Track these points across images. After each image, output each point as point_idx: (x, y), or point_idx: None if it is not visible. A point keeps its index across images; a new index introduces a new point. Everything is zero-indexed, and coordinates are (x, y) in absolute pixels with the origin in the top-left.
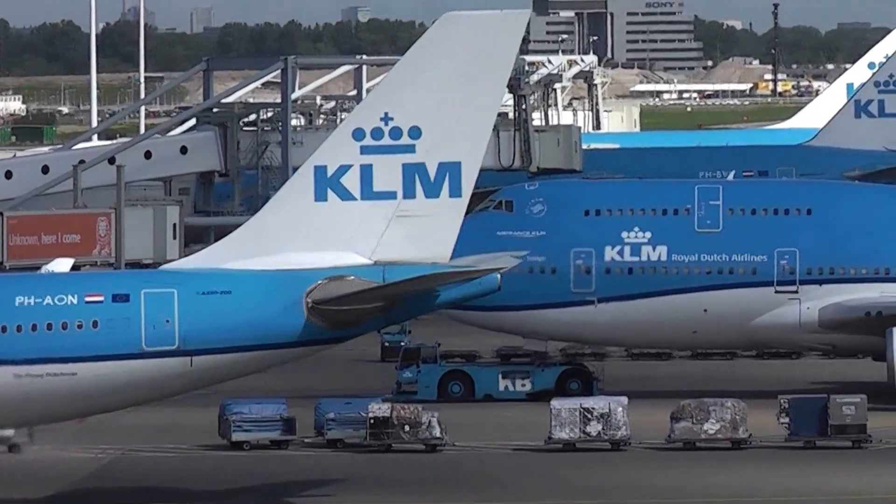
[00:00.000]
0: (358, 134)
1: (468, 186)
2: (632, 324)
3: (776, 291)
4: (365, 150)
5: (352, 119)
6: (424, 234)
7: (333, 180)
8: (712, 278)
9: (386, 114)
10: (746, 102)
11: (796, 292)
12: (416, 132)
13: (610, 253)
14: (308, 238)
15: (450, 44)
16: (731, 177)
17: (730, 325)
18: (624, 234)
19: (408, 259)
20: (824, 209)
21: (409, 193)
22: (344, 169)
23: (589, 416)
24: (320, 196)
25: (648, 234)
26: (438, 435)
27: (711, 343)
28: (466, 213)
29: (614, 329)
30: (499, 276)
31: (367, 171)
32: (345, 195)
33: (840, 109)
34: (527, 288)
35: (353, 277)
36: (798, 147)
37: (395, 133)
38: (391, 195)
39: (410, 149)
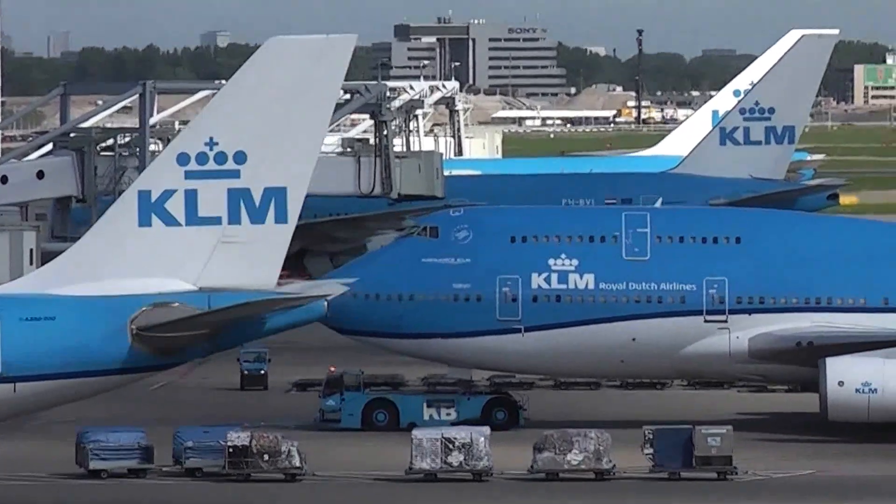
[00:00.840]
0: (182, 159)
1: (294, 212)
2: (559, 353)
3: (705, 321)
4: (189, 175)
5: (176, 143)
6: (250, 260)
7: (158, 205)
8: (640, 307)
9: (211, 138)
10: (610, 129)
11: (726, 322)
12: (241, 157)
13: (537, 280)
14: (133, 264)
15: (275, 68)
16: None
17: (658, 355)
18: (551, 262)
19: (234, 285)
20: (754, 237)
21: (234, 219)
22: (168, 194)
23: (450, 446)
24: (144, 221)
25: (576, 262)
26: (298, 464)
27: (640, 373)
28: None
29: (541, 358)
30: (326, 302)
31: (191, 197)
32: (169, 220)
33: (705, 137)
34: (452, 316)
35: (178, 304)
36: (662, 174)
37: (220, 158)
38: (216, 220)
39: (235, 174)
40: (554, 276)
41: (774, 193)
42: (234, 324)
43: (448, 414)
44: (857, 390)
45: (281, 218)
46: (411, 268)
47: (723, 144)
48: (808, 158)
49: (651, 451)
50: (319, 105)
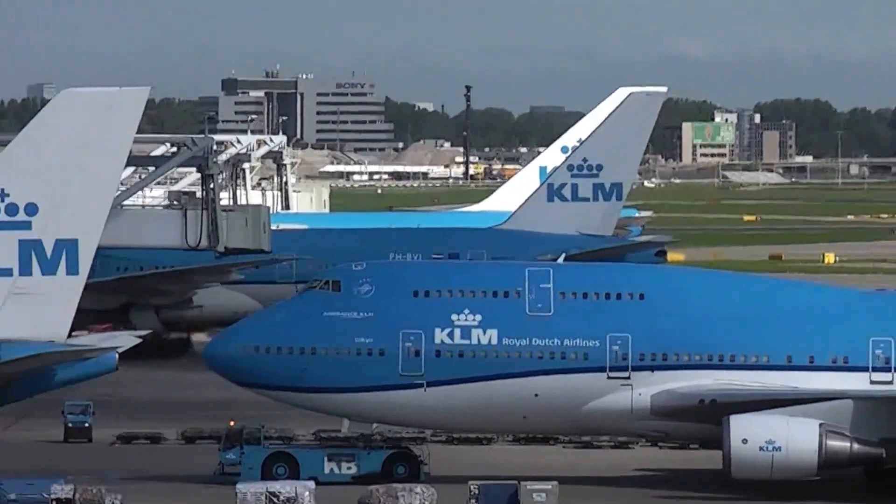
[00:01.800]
0: None
1: (86, 264)
2: (461, 408)
3: (608, 377)
4: None
5: None
6: (41, 312)
7: None
8: (543, 363)
9: (2, 190)
10: (437, 185)
11: (628, 378)
12: (32, 209)
13: (440, 335)
14: None
15: (67, 120)
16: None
17: (560, 411)
18: (454, 317)
19: (24, 337)
20: (657, 294)
21: (25, 270)
22: None
23: (275, 500)
24: None
25: (479, 317)
26: None
27: (542, 428)
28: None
29: (443, 413)
30: (117, 355)
31: None
32: None
33: (533, 193)
34: (355, 369)
35: None
36: (490, 230)
37: (12, 209)
38: (7, 272)
39: (27, 225)
40: (457, 332)
41: (603, 250)
42: (23, 375)
43: (349, 468)
44: (761, 448)
45: (73, 269)
46: (313, 321)
47: (551, 200)
48: (637, 215)
49: None
50: (111, 156)
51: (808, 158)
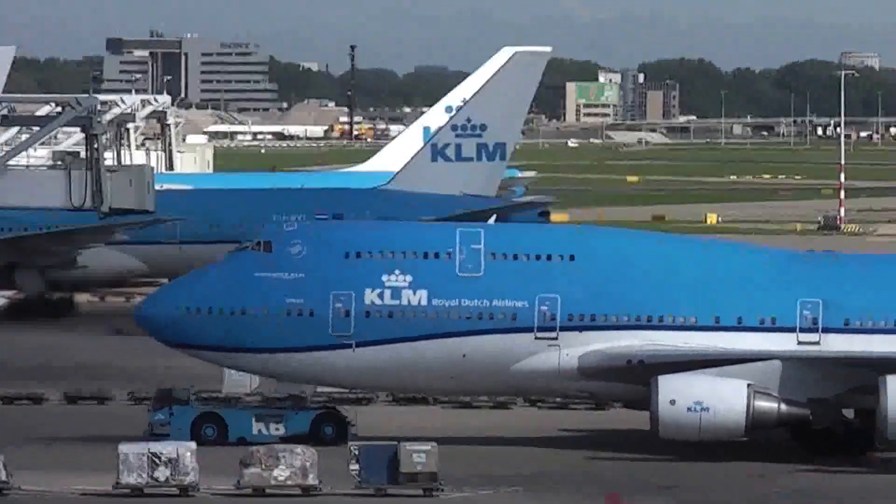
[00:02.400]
0: None
1: None
2: (390, 368)
3: (536, 338)
4: None
5: None
6: None
7: None
8: (472, 323)
9: None
10: (322, 145)
11: (556, 339)
12: None
13: (370, 296)
14: None
15: None
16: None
17: (488, 372)
18: (384, 278)
19: None
20: (587, 255)
21: None
22: None
23: (157, 461)
24: None
25: (409, 278)
26: (4, 479)
27: (471, 389)
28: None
29: (372, 374)
30: None
31: None
32: None
33: (417, 153)
34: (285, 330)
35: None
36: (374, 190)
37: None
38: None
39: None
40: (387, 292)
41: (486, 210)
42: None
43: (277, 429)
44: (688, 409)
45: None
46: (244, 282)
47: (434, 161)
48: (520, 175)
49: (357, 467)
50: None
51: (692, 118)
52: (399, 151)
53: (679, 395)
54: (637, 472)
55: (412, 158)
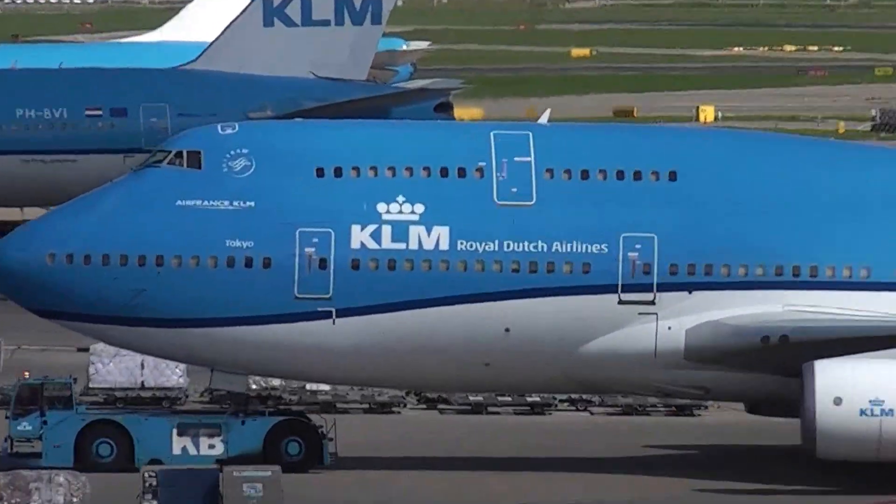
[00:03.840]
0: None
1: None
2: (389, 352)
3: (620, 301)
4: None
5: None
6: None
7: None
8: (519, 279)
9: None
10: (92, 1)
11: (653, 303)
12: None
13: (359, 236)
14: None
15: None
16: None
17: (543, 355)
18: (381, 207)
19: None
20: (697, 171)
21: None
22: None
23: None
24: None
25: (420, 208)
26: None
27: (514, 382)
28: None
29: (362, 359)
30: None
31: None
32: None
33: (240, 14)
34: (224, 290)
35: None
36: (172, 72)
37: None
38: None
39: None
40: (386, 230)
41: (352, 102)
42: None
43: (211, 446)
44: (862, 412)
45: None
46: (157, 216)
47: (269, 25)
48: (405, 48)
49: (152, 499)
50: None
51: None
52: (212, 11)
53: (847, 390)
54: None
55: (234, 21)
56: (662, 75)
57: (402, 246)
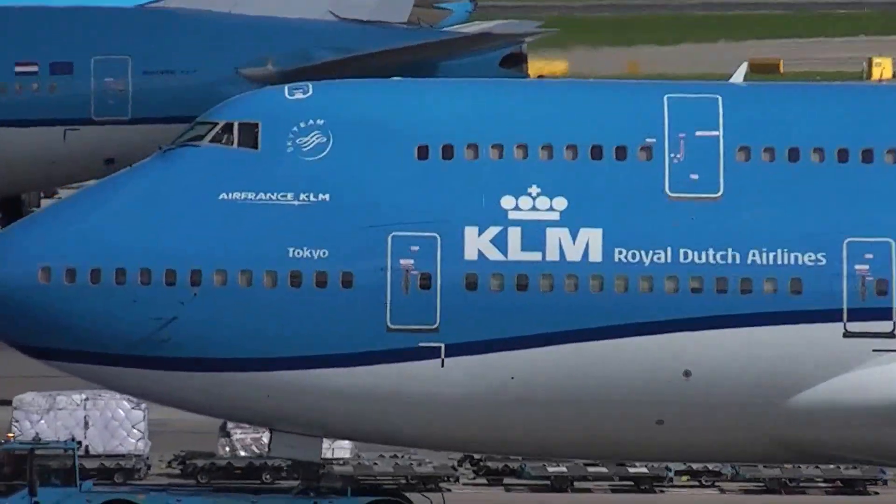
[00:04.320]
0: None
1: None
2: (523, 403)
3: (846, 334)
4: None
5: None
6: None
7: None
8: (703, 302)
9: None
10: None
11: (892, 335)
12: None
13: (475, 242)
14: None
15: None
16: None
17: (740, 408)
18: (506, 202)
19: None
20: None
21: None
22: None
23: None
24: None
25: (562, 202)
26: None
27: (693, 449)
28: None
29: (483, 414)
30: None
31: None
32: None
33: None
34: (288, 320)
35: None
36: (128, 11)
37: None
38: None
39: None
40: (514, 235)
41: (389, 52)
42: None
43: None
44: None
45: None
46: (195, 215)
47: None
48: None
49: None
50: None
51: None
52: None
53: None
54: None
55: None
56: (815, 16)
57: (536, 256)
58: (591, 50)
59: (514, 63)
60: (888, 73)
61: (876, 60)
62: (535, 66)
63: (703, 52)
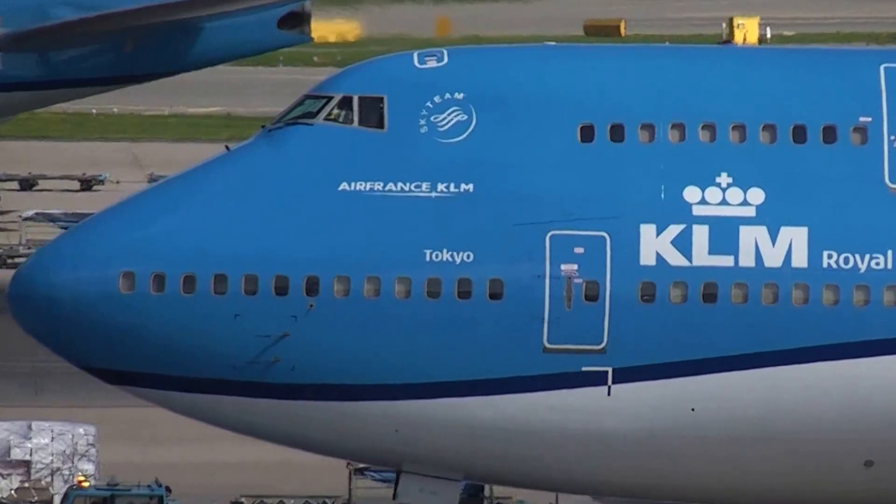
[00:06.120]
0: None
1: None
2: (710, 439)
3: None
4: None
5: None
6: None
7: None
8: None
9: None
10: None
11: None
12: None
13: (652, 244)
14: None
15: None
16: None
17: None
18: (691, 195)
19: None
20: None
21: None
22: None
23: None
24: None
25: (757, 195)
26: None
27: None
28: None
29: (661, 450)
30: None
31: None
32: None
33: None
34: (423, 338)
35: None
36: None
37: None
38: None
39: None
40: (700, 234)
41: (138, 11)
42: None
43: None
44: None
45: None
46: (308, 209)
47: None
48: None
49: None
50: None
51: None
52: None
53: None
54: None
55: None
56: None
57: (727, 261)
58: (388, 6)
59: (296, 23)
60: (754, 37)
61: (738, 20)
62: (321, 27)
63: (527, 10)
